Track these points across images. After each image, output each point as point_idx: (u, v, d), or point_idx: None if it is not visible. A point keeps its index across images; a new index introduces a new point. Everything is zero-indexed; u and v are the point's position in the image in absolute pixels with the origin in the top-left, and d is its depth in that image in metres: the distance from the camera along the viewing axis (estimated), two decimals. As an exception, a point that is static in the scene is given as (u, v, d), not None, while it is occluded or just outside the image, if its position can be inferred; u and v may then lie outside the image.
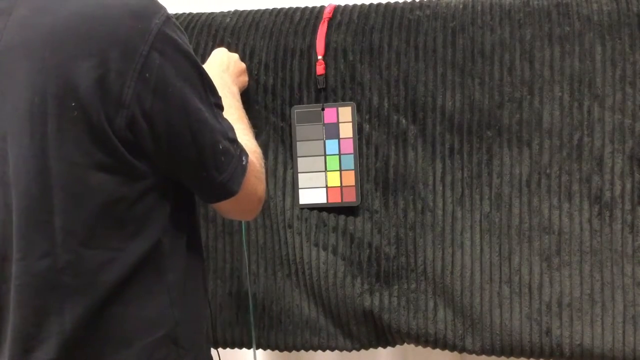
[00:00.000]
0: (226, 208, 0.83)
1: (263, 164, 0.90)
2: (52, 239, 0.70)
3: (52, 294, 0.71)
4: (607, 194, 1.04)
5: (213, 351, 0.93)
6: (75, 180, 0.69)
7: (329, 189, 1.13)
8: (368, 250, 1.11)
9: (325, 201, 1.13)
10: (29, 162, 0.68)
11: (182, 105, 0.72)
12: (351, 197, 1.12)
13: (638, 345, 1.02)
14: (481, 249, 1.07)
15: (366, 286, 1.11)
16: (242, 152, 0.80)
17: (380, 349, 1.19)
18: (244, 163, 0.80)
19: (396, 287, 1.11)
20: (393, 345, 1.18)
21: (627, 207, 1.04)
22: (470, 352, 1.09)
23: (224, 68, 1.05)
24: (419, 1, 1.15)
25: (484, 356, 1.11)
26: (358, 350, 1.16)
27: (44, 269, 0.70)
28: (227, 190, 0.79)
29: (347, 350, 1.16)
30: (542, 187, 1.06)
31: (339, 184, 1.13)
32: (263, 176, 0.87)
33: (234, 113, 0.94)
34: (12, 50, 0.69)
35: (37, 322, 0.72)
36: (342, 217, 1.13)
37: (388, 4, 1.17)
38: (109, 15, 0.68)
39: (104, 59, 0.67)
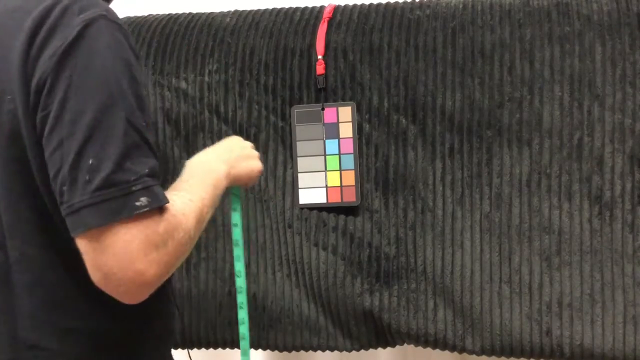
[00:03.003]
0: (84, 252, 0.63)
1: (185, 246, 0.67)
2: (2, 235, 0.70)
3: (3, 292, 0.70)
4: (607, 193, 1.04)
5: (183, 352, 0.89)
6: (12, 177, 0.68)
7: (329, 188, 1.13)
8: (368, 250, 1.11)
9: (325, 201, 1.13)
10: None
11: (94, 93, 0.63)
12: (351, 197, 1.12)
13: (638, 345, 1.02)
14: (481, 249, 1.07)
15: (366, 286, 1.11)
16: (147, 191, 0.62)
17: (380, 349, 1.19)
18: (136, 203, 0.61)
19: (396, 287, 1.10)
20: (393, 346, 1.18)
21: (627, 207, 1.03)
22: (470, 352, 1.09)
23: (224, 145, 0.91)
24: (419, 1, 1.15)
25: (484, 356, 1.11)
26: (358, 350, 1.16)
27: None
28: (75, 217, 0.61)
29: (346, 350, 1.16)
30: (542, 187, 1.06)
31: (339, 184, 1.13)
32: (167, 256, 0.63)
33: (194, 184, 0.75)
34: None
35: None
36: (342, 217, 1.13)
37: (388, 3, 1.17)
38: (42, 7, 0.67)
39: (27, 46, 0.65)
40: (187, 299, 1.18)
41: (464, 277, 1.08)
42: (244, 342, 0.96)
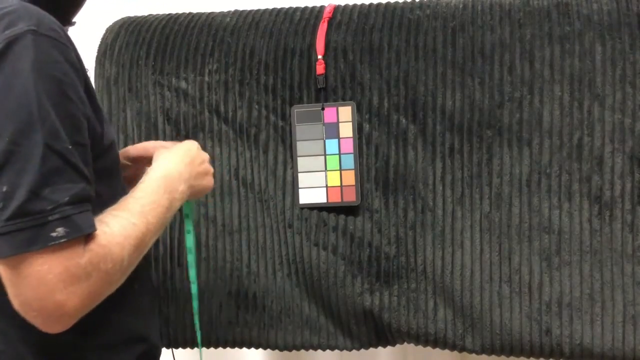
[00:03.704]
0: (1, 278, 0.61)
1: (115, 276, 0.64)
2: None
3: None
4: (607, 193, 1.04)
5: (167, 351, 0.89)
6: None
7: (329, 188, 1.13)
8: (368, 250, 1.11)
9: (325, 201, 1.13)
10: None
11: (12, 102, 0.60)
12: (351, 197, 1.12)
13: (638, 345, 1.02)
14: (481, 249, 1.07)
15: (366, 286, 1.11)
16: (65, 221, 0.59)
17: (380, 348, 1.19)
18: (51, 234, 0.58)
19: (396, 286, 1.11)
20: (393, 345, 1.18)
21: (627, 206, 1.04)
22: (470, 351, 1.09)
23: (187, 160, 0.86)
24: (419, 1, 1.15)
25: (484, 356, 1.11)
26: (358, 349, 1.16)
27: None
28: None
29: (347, 349, 1.16)
30: (542, 187, 1.06)
31: (339, 184, 1.13)
32: (91, 288, 0.60)
33: (147, 205, 0.72)
34: None
35: None
36: (342, 216, 1.13)
37: (388, 3, 1.17)
38: None
39: None
40: (187, 298, 1.18)
41: (464, 276, 1.08)
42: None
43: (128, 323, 0.80)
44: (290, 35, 1.15)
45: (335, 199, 1.13)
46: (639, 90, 1.03)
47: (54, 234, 0.58)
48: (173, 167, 0.81)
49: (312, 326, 1.15)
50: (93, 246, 0.61)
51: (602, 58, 1.04)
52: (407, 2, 1.15)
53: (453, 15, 1.10)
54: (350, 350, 1.16)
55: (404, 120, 1.10)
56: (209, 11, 1.25)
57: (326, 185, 1.13)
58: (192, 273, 1.04)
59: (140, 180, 0.76)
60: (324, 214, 1.13)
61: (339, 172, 1.13)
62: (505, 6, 1.09)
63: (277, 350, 1.19)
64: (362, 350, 1.17)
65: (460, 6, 1.11)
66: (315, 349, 1.17)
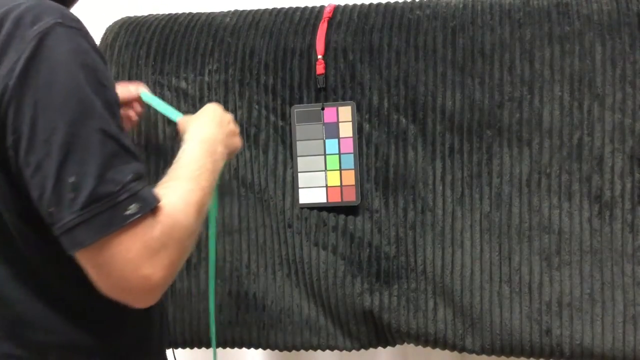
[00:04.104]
0: (86, 268, 0.63)
1: (187, 242, 0.66)
2: None
3: None
4: (607, 193, 1.04)
5: (169, 351, 0.89)
6: None
7: (328, 188, 1.13)
8: (368, 250, 1.11)
9: (325, 201, 1.13)
10: None
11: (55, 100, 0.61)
12: (351, 197, 1.12)
13: (638, 345, 1.02)
14: (481, 249, 1.07)
15: (366, 286, 1.11)
16: (135, 198, 0.61)
17: (380, 348, 1.19)
18: (125, 213, 0.60)
19: (396, 286, 1.10)
20: (393, 345, 1.18)
21: (627, 206, 1.03)
22: (470, 351, 1.09)
23: (217, 121, 0.89)
24: (419, 1, 1.15)
25: (484, 356, 1.11)
26: (358, 350, 1.16)
27: None
28: (69, 236, 0.60)
29: (347, 350, 1.16)
30: (542, 187, 1.06)
31: (339, 184, 1.13)
32: (170, 257, 0.63)
33: (196, 170, 0.74)
34: None
35: None
36: (342, 216, 1.13)
37: (388, 3, 1.17)
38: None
39: None
40: (187, 299, 1.18)
41: (464, 276, 1.08)
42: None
43: (148, 323, 0.81)
44: (290, 35, 1.15)
45: (335, 198, 1.13)
46: (639, 90, 1.03)
47: (127, 213, 0.60)
48: (208, 130, 0.83)
49: (311, 326, 1.15)
50: (161, 217, 0.63)
51: (602, 58, 1.04)
52: (407, 2, 1.16)
53: (453, 15, 1.10)
54: (350, 350, 1.16)
55: (404, 120, 1.10)
56: (209, 11, 1.25)
57: (326, 185, 1.13)
58: (212, 268, 1.04)
59: (181, 150, 0.77)
60: (324, 213, 1.13)
61: (338, 172, 1.13)
62: (505, 6, 1.09)
63: (277, 351, 1.19)
64: (362, 350, 1.17)
65: (460, 6, 1.11)
66: (315, 349, 1.17)
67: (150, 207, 0.62)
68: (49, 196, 0.60)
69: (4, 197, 0.65)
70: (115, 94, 0.68)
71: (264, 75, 1.15)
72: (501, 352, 1.08)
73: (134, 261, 0.60)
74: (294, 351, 1.18)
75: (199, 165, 0.75)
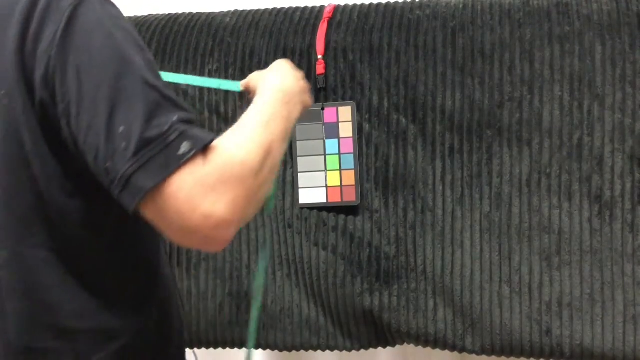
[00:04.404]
0: (152, 220, 0.62)
1: (250, 180, 0.63)
2: None
3: None
4: (607, 193, 1.04)
5: (190, 351, 0.90)
6: (6, 175, 0.67)
7: (328, 188, 1.13)
8: (368, 250, 1.11)
9: (325, 201, 1.13)
10: None
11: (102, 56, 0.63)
12: (351, 197, 1.12)
13: (638, 345, 1.02)
14: (481, 249, 1.07)
15: (366, 286, 1.11)
16: (184, 136, 0.60)
17: (380, 349, 1.19)
18: (178, 152, 0.59)
19: (396, 286, 1.10)
20: (393, 345, 1.18)
21: (627, 206, 1.03)
22: (470, 351, 1.09)
23: (292, 74, 0.86)
24: (419, 1, 1.15)
25: (484, 356, 1.11)
26: (358, 350, 1.16)
27: None
28: (129, 188, 0.60)
29: (346, 350, 1.16)
30: (542, 187, 1.06)
31: (339, 184, 1.13)
32: (231, 193, 0.60)
33: (267, 115, 0.71)
34: None
35: None
36: (342, 216, 1.13)
37: (388, 3, 1.17)
38: None
39: (21, 41, 0.64)
40: (187, 299, 1.18)
41: (464, 276, 1.08)
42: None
43: (174, 314, 0.82)
44: (290, 35, 1.15)
45: (335, 198, 1.13)
46: (639, 90, 1.03)
47: (181, 152, 0.59)
48: (282, 80, 0.80)
49: (311, 326, 1.15)
50: (215, 155, 0.61)
51: (602, 58, 1.04)
52: (407, 2, 1.15)
53: (453, 15, 1.10)
54: (350, 350, 1.16)
55: (404, 120, 1.10)
56: (209, 11, 1.25)
57: (326, 185, 1.13)
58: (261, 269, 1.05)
59: (254, 101, 0.75)
60: (324, 214, 1.13)
61: (338, 172, 1.13)
62: (505, 6, 1.09)
63: (277, 351, 1.18)
64: (362, 350, 1.17)
65: (460, 6, 1.11)
66: (315, 349, 1.17)
67: (203, 144, 0.60)
68: (103, 152, 0.60)
69: (49, 174, 0.66)
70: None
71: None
72: (501, 353, 1.08)
73: (192, 200, 0.59)
74: (294, 351, 1.18)
75: (271, 112, 0.72)
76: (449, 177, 1.09)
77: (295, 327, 1.16)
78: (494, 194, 1.07)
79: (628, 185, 1.04)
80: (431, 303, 1.09)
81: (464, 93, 1.08)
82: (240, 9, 1.23)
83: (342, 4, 1.19)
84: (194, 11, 1.26)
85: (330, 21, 1.15)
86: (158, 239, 0.80)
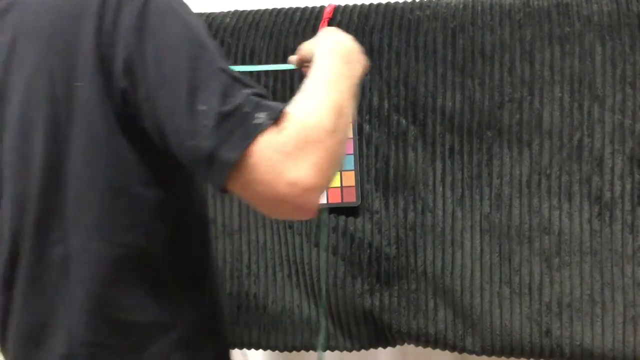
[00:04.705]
0: (242, 195, 0.64)
1: (328, 142, 0.63)
2: (63, 227, 0.69)
3: (62, 285, 0.70)
4: (607, 194, 1.04)
5: (238, 351, 0.91)
6: (82, 167, 0.68)
7: (329, 189, 1.13)
8: (368, 251, 1.11)
9: (325, 201, 1.13)
10: (45, 147, 0.68)
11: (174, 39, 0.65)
12: (351, 198, 1.12)
13: (638, 345, 1.02)
14: (481, 250, 1.07)
15: (366, 286, 1.11)
16: (259, 107, 0.62)
17: (380, 349, 1.19)
18: (255, 122, 0.61)
19: (396, 287, 1.11)
20: (393, 346, 1.18)
21: (627, 207, 1.04)
22: (471, 352, 1.09)
23: (347, 37, 0.82)
24: (419, 1, 1.15)
25: (484, 356, 1.11)
26: (358, 350, 1.16)
27: (57, 257, 0.69)
28: (216, 164, 0.61)
29: (347, 350, 1.16)
30: (542, 188, 1.06)
31: (339, 185, 1.13)
32: (311, 157, 0.61)
33: (330, 76, 0.71)
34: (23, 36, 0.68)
35: (46, 314, 0.71)
36: (343, 217, 1.13)
37: (388, 4, 1.16)
38: None
39: (97, 32, 0.66)
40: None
41: (464, 277, 1.08)
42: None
43: (218, 300, 0.84)
44: (290, 35, 1.15)
45: (336, 199, 1.13)
46: (639, 91, 1.03)
47: (258, 121, 0.60)
48: (339, 41, 0.79)
49: (312, 327, 1.15)
50: (290, 122, 0.62)
51: (602, 59, 1.04)
52: (407, 2, 1.15)
53: (453, 16, 1.10)
54: (350, 351, 1.16)
55: (404, 121, 1.10)
56: (209, 11, 1.25)
57: (326, 186, 1.13)
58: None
59: (314, 66, 0.75)
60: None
61: (339, 172, 1.13)
62: (505, 7, 1.09)
63: (277, 351, 1.19)
64: (362, 350, 1.17)
65: (460, 7, 1.11)
66: (315, 349, 1.17)
67: (278, 112, 0.62)
68: (187, 131, 0.62)
69: (124, 165, 0.68)
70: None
71: (264, 75, 1.15)
72: (501, 353, 1.08)
73: (275, 169, 0.60)
74: (294, 351, 1.19)
75: (335, 72, 0.72)
76: (449, 178, 1.09)
77: (295, 327, 1.16)
78: (494, 195, 1.07)
79: (628, 186, 1.04)
80: (431, 303, 1.09)
81: (464, 94, 1.08)
82: (240, 9, 1.23)
83: (342, 4, 1.19)
84: (194, 11, 1.26)
85: (330, 22, 1.14)
86: (210, 231, 0.83)
